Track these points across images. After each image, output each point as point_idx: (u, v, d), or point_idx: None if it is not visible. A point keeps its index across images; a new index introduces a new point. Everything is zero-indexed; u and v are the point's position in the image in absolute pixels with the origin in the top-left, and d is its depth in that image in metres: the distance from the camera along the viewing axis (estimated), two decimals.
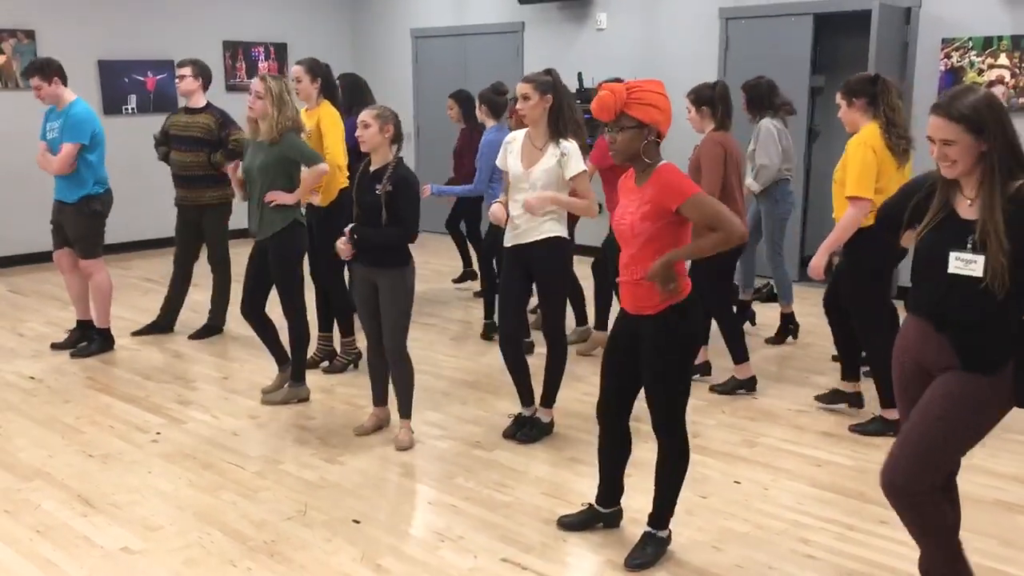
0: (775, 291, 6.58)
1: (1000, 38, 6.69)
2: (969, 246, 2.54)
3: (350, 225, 4.31)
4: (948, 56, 6.94)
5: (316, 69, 5.46)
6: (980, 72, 6.80)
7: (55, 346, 6.18)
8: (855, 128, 4.51)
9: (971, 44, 6.83)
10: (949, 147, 2.53)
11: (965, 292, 2.55)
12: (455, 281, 7.82)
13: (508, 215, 4.39)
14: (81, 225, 5.83)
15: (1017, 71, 6.64)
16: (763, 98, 6.09)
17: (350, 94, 5.94)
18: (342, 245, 4.30)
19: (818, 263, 4.49)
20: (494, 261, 6.13)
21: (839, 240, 4.43)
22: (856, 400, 4.86)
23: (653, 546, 3.39)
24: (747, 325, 6.36)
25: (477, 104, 6.27)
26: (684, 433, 3.32)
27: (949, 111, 2.52)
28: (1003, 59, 6.70)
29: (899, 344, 2.79)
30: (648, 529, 3.42)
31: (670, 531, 3.44)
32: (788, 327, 6.27)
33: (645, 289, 3.16)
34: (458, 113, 7.03)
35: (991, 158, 2.50)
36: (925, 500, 2.69)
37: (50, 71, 5.72)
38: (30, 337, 6.45)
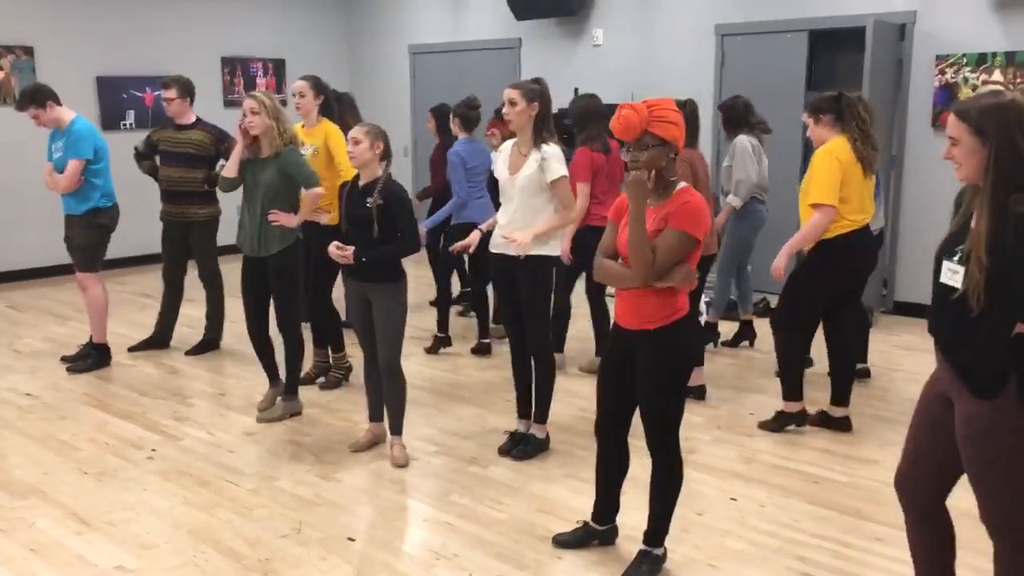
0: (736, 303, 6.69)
1: (994, 54, 6.72)
2: (958, 256, 2.49)
3: (348, 251, 4.28)
4: (942, 72, 6.97)
5: (321, 86, 5.50)
6: (974, 88, 6.83)
7: (66, 360, 6.18)
8: (822, 144, 4.63)
9: (965, 60, 6.86)
10: (955, 147, 2.48)
11: (949, 306, 2.50)
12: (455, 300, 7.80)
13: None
14: (85, 236, 5.86)
15: (1011, 87, 6.67)
16: (739, 117, 6.14)
17: (340, 110, 6.01)
18: (337, 251, 4.28)
19: (779, 264, 4.62)
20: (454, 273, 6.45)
21: (801, 243, 4.60)
22: (841, 424, 4.88)
23: (648, 564, 3.38)
24: (746, 343, 6.43)
25: (451, 117, 6.38)
26: (678, 450, 3.32)
27: (959, 109, 2.47)
28: (997, 75, 6.73)
29: (935, 369, 2.73)
30: (643, 547, 3.41)
31: (665, 549, 3.43)
32: (744, 333, 6.47)
33: (650, 302, 3.16)
34: (434, 127, 7.11)
35: (988, 164, 2.41)
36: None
37: (42, 97, 5.74)
38: (27, 353, 6.45)
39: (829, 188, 4.43)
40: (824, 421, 4.89)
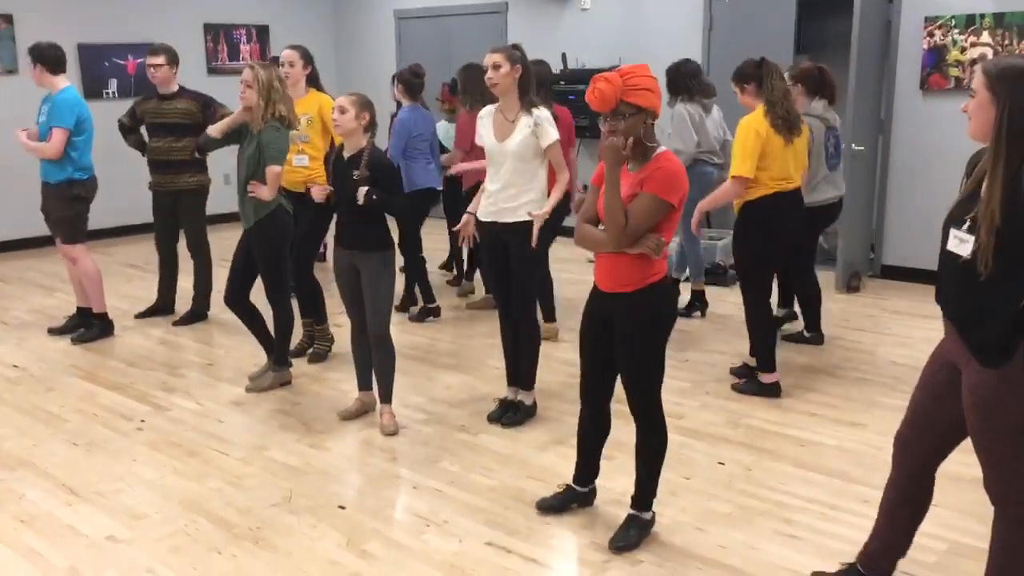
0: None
1: (982, 16, 6.69)
2: (967, 224, 2.44)
3: (362, 189, 4.22)
4: (931, 34, 6.94)
5: (309, 57, 5.46)
6: (963, 50, 6.80)
7: (52, 331, 6.17)
8: (752, 110, 4.75)
9: (953, 22, 6.83)
10: (971, 100, 2.44)
11: (956, 274, 2.47)
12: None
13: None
14: (63, 209, 5.80)
15: (1000, 48, 6.64)
16: (682, 82, 6.10)
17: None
18: (320, 193, 4.29)
19: (695, 220, 5.05)
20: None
21: (710, 205, 4.97)
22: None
23: (637, 528, 3.41)
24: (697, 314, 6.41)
25: (395, 83, 6.36)
26: (661, 413, 3.35)
27: (985, 64, 2.43)
28: (986, 36, 6.70)
29: (943, 338, 2.71)
30: (631, 511, 3.44)
31: (654, 513, 3.46)
32: (695, 303, 6.42)
33: (626, 265, 3.18)
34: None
35: (1000, 124, 2.36)
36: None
37: (35, 56, 5.71)
38: (13, 325, 6.42)
39: (745, 160, 4.60)
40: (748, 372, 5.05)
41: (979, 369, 2.49)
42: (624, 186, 3.17)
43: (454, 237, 7.14)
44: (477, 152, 5.69)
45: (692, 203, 6.16)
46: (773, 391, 4.84)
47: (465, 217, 4.58)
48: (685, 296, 6.36)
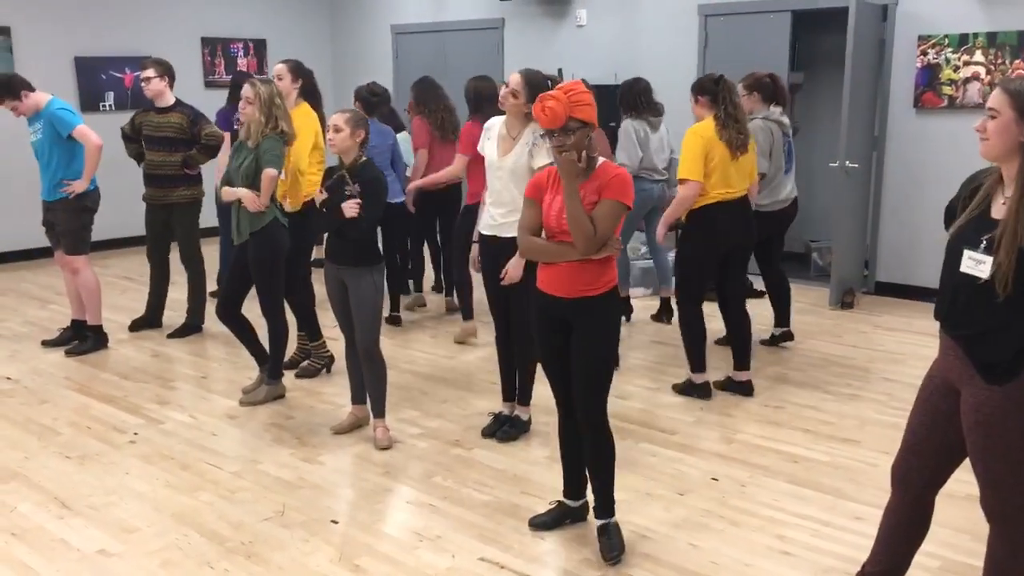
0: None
1: (976, 35, 6.74)
2: (983, 245, 2.43)
3: (352, 204, 4.24)
4: (924, 53, 6.99)
5: (300, 70, 5.46)
6: (956, 69, 6.85)
7: (46, 343, 6.15)
8: (701, 120, 4.98)
9: (947, 41, 6.87)
10: (992, 120, 2.43)
11: (970, 294, 2.47)
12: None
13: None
14: (70, 220, 5.82)
15: (992, 68, 6.69)
16: (632, 98, 6.25)
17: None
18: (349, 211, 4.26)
19: (659, 232, 5.26)
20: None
21: (673, 214, 5.06)
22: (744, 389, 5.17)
23: (613, 534, 3.44)
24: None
25: (353, 100, 6.47)
26: (607, 413, 3.41)
27: (1006, 83, 2.45)
28: (979, 56, 6.75)
29: (937, 358, 2.70)
30: (600, 522, 3.46)
31: (616, 519, 3.49)
32: (663, 311, 6.63)
33: (590, 270, 3.26)
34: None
35: None
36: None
37: (16, 87, 5.68)
38: (7, 337, 6.40)
39: (692, 163, 4.82)
40: (729, 386, 5.18)
41: (983, 387, 2.49)
42: None
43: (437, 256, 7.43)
44: (438, 150, 6.31)
45: (629, 218, 6.34)
46: (704, 392, 5.07)
47: (473, 248, 4.65)
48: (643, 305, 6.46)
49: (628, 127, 6.22)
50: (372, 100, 6.41)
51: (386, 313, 6.51)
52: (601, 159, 3.34)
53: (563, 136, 3.22)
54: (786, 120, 5.82)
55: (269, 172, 4.74)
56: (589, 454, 3.42)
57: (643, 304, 6.95)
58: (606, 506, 3.45)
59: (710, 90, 4.96)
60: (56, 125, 5.66)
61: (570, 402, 3.48)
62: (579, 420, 3.40)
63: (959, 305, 2.53)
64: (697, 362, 5.06)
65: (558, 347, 3.40)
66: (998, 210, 2.48)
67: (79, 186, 5.72)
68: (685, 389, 5.12)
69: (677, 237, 6.08)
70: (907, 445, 2.78)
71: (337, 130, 4.22)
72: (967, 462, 2.70)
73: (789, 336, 6.07)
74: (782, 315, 6.05)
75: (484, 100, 5.65)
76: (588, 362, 3.31)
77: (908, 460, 2.77)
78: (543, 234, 3.37)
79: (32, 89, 5.74)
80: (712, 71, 7.63)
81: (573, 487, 3.66)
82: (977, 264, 2.45)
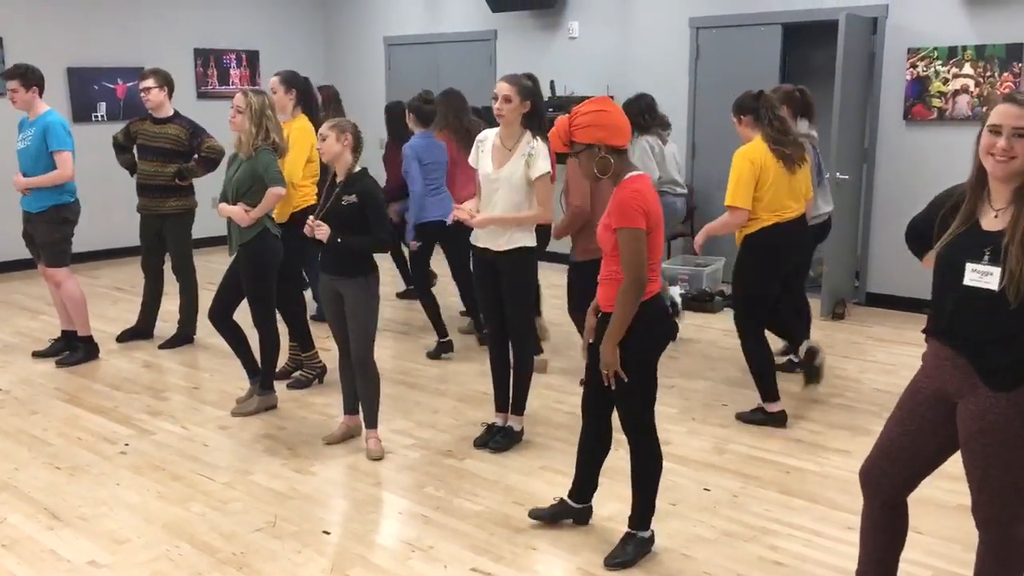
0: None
1: (964, 48, 6.79)
2: (987, 257, 2.45)
3: (324, 227, 4.25)
4: (914, 65, 7.04)
5: (291, 81, 5.45)
6: (945, 81, 6.90)
7: (37, 354, 6.13)
8: (748, 141, 4.74)
9: (936, 54, 6.92)
10: (1021, 139, 2.40)
11: (979, 306, 2.47)
12: (400, 295, 7.73)
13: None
14: (49, 233, 5.80)
15: (981, 80, 6.74)
16: (637, 116, 6.17)
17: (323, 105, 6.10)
18: (312, 224, 4.23)
19: (697, 239, 4.99)
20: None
21: (714, 232, 4.91)
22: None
23: (633, 545, 3.44)
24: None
25: (406, 112, 6.32)
26: (655, 431, 3.40)
27: None
28: (967, 68, 6.80)
29: (921, 369, 2.71)
30: (629, 530, 3.47)
31: (653, 532, 3.49)
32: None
33: (608, 287, 3.29)
34: (387, 124, 7.27)
35: None
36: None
37: (31, 79, 5.73)
38: None
39: (741, 190, 4.60)
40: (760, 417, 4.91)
41: (988, 394, 2.50)
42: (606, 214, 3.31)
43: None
44: (464, 166, 5.75)
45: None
46: (780, 420, 4.82)
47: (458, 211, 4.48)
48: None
49: (643, 144, 6.18)
50: (426, 110, 6.09)
51: (468, 330, 6.52)
52: (627, 175, 3.29)
53: (574, 158, 3.33)
54: (815, 134, 5.62)
55: (277, 191, 4.79)
56: (633, 466, 3.43)
57: None
58: (640, 518, 3.46)
59: (751, 108, 4.75)
60: (48, 136, 5.65)
61: (596, 405, 3.50)
62: (626, 433, 3.41)
63: (963, 317, 2.53)
64: (769, 390, 4.84)
65: (595, 352, 3.39)
66: (990, 222, 2.50)
67: (31, 182, 5.66)
68: (756, 418, 4.87)
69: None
70: (882, 451, 2.78)
71: (323, 138, 4.23)
72: (947, 471, 2.71)
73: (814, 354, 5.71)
74: (802, 334, 5.63)
75: (462, 111, 5.64)
76: (620, 379, 3.29)
77: (880, 465, 2.78)
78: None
79: (41, 94, 5.77)
80: (705, 83, 7.76)
81: (578, 489, 3.68)
82: (983, 276, 2.45)
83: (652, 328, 3.30)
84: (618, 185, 3.27)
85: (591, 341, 3.41)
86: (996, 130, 2.44)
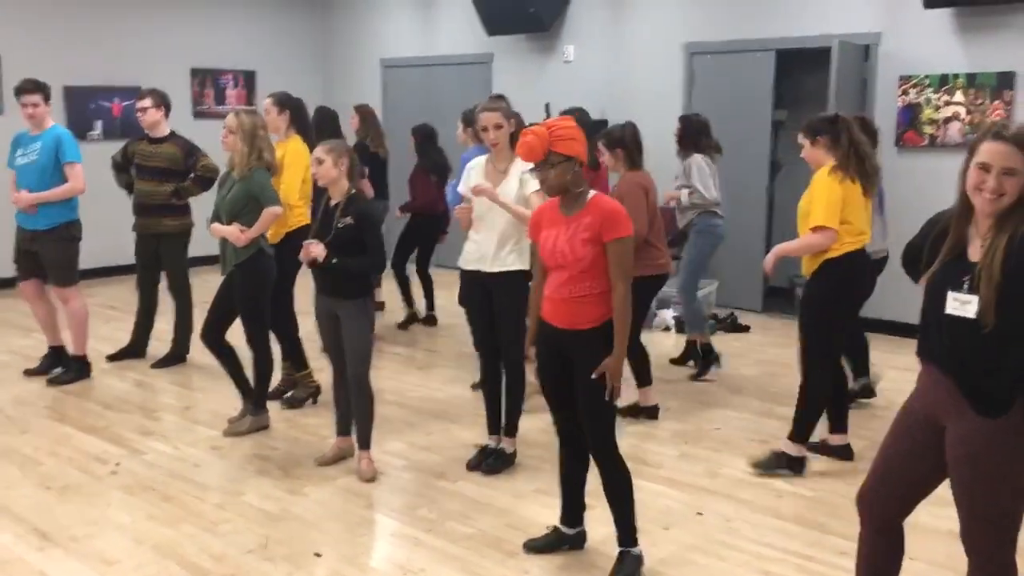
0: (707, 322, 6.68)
1: (956, 75, 6.86)
2: (965, 287, 2.47)
3: (319, 246, 4.25)
4: (905, 92, 7.10)
5: (284, 102, 5.49)
6: (937, 108, 6.96)
7: (28, 372, 6.10)
8: (818, 165, 4.55)
9: (928, 81, 6.99)
10: (1010, 178, 2.42)
11: (961, 334, 2.49)
12: (400, 326, 7.54)
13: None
14: (59, 251, 5.80)
15: (972, 108, 6.81)
16: (695, 135, 6.25)
17: (318, 127, 6.10)
18: (310, 247, 4.23)
19: (768, 259, 4.58)
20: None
21: (794, 252, 4.55)
22: (843, 451, 4.79)
23: (630, 562, 3.45)
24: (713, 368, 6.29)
25: (461, 127, 6.39)
26: (617, 447, 3.42)
27: (1020, 139, 2.42)
28: (959, 96, 6.87)
29: (914, 391, 2.72)
30: (620, 549, 3.47)
31: (640, 549, 3.50)
32: (694, 353, 6.34)
33: (585, 306, 3.30)
34: (414, 145, 7.30)
35: None
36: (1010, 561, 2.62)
37: (48, 92, 5.79)
38: None
39: (832, 210, 4.36)
40: (824, 450, 4.79)
41: (973, 419, 2.51)
42: (566, 231, 3.33)
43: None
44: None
45: (705, 257, 6.32)
46: (846, 452, 4.72)
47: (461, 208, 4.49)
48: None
49: (700, 161, 6.19)
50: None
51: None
52: (592, 192, 3.38)
53: (544, 170, 3.31)
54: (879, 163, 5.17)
55: (274, 211, 4.81)
56: (604, 485, 3.44)
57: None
58: (625, 535, 3.47)
59: (828, 130, 4.49)
60: (61, 149, 5.66)
61: (567, 431, 3.52)
62: (591, 453, 3.42)
63: (948, 344, 2.55)
64: (839, 422, 4.73)
65: (555, 376, 3.44)
66: (976, 252, 2.52)
67: (42, 196, 5.66)
68: (821, 449, 4.71)
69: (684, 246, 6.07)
70: (877, 475, 2.80)
71: (319, 162, 4.25)
72: (938, 496, 2.72)
73: (870, 391, 5.65)
74: (864, 367, 5.64)
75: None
76: (590, 394, 3.33)
77: (876, 490, 2.79)
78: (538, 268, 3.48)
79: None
80: (699, 107, 7.78)
81: (568, 514, 3.69)
82: (963, 304, 2.48)
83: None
84: (590, 200, 3.33)
85: (547, 360, 3.44)
86: (984, 167, 2.46)
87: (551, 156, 3.29)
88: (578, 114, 5.75)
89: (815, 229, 4.38)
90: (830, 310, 4.49)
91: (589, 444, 3.40)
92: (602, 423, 3.37)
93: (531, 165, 4.26)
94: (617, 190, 5.13)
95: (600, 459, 3.40)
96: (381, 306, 7.47)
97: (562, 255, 3.31)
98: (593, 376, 3.28)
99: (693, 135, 6.29)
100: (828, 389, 4.57)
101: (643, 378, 5.24)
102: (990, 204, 2.46)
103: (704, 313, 6.59)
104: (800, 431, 4.52)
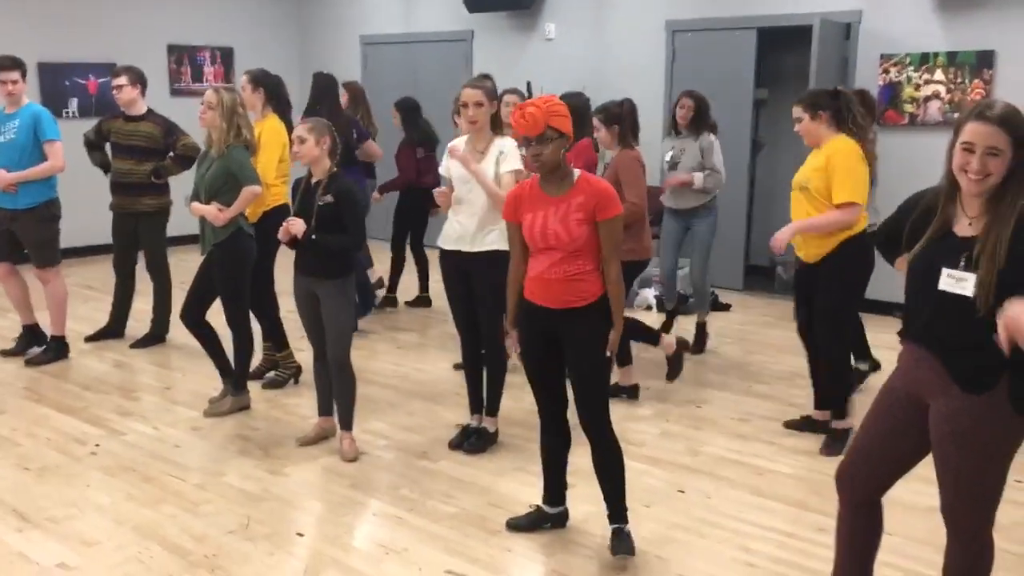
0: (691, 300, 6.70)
1: (936, 54, 6.87)
2: (962, 264, 2.47)
3: (298, 223, 4.24)
4: (886, 71, 7.11)
5: (259, 79, 5.41)
6: (917, 87, 6.98)
7: (5, 353, 6.04)
8: (816, 141, 4.47)
9: (908, 60, 7.01)
10: (994, 158, 2.41)
11: (953, 311, 2.49)
12: (409, 304, 7.56)
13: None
14: (40, 231, 5.74)
15: (952, 86, 6.83)
16: (706, 113, 6.17)
17: (320, 95, 6.41)
18: (288, 225, 4.22)
19: (783, 236, 4.43)
20: None
21: (815, 229, 4.41)
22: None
23: (626, 537, 3.47)
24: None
25: (421, 109, 6.43)
26: (611, 427, 3.42)
27: (1003, 119, 2.41)
28: (939, 75, 6.89)
29: (896, 370, 2.73)
30: (613, 526, 3.49)
31: (629, 526, 3.52)
32: (703, 333, 6.35)
33: (581, 283, 3.29)
34: (399, 121, 7.18)
35: (1015, 170, 2.41)
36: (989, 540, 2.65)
37: (25, 69, 5.70)
38: None
39: (859, 187, 4.31)
40: (810, 426, 4.79)
41: (959, 396, 2.52)
42: (556, 212, 3.29)
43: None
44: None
45: (714, 236, 6.21)
46: (846, 438, 4.44)
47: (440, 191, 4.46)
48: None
49: (714, 140, 6.10)
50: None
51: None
52: (578, 171, 3.37)
53: (540, 145, 3.26)
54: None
55: (253, 190, 4.77)
56: (595, 463, 3.45)
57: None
58: (617, 512, 3.48)
59: (831, 105, 4.41)
60: (39, 126, 5.59)
61: (551, 411, 3.54)
62: (584, 430, 3.42)
63: (936, 321, 2.55)
64: (848, 408, 4.61)
65: (540, 356, 3.44)
66: (964, 229, 2.53)
67: (22, 175, 5.59)
68: (836, 448, 4.47)
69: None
70: (857, 452, 2.82)
71: (301, 140, 4.20)
72: (916, 473, 2.74)
73: (876, 365, 5.62)
74: (864, 349, 5.61)
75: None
76: (582, 372, 3.34)
77: (856, 466, 2.81)
78: (523, 250, 3.46)
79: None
80: (680, 85, 7.75)
81: (550, 493, 3.70)
82: (959, 282, 2.47)
83: (606, 328, 3.37)
84: (579, 179, 3.32)
85: (532, 340, 3.44)
86: (969, 148, 2.45)
87: (548, 131, 3.25)
88: (577, 99, 5.59)
89: (841, 206, 4.31)
90: (854, 285, 4.49)
91: (583, 421, 3.39)
92: (598, 401, 3.38)
93: (507, 146, 4.27)
94: (612, 166, 5.11)
95: (594, 436, 3.40)
96: (380, 283, 7.41)
97: (555, 236, 3.28)
98: (608, 354, 3.32)
99: (705, 113, 6.13)
100: (849, 359, 4.67)
101: (623, 359, 5.25)
102: (975, 185, 2.46)
103: (675, 293, 6.57)
104: (839, 405, 4.58)
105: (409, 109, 7.11)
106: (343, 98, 6.95)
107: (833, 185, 4.33)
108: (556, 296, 3.33)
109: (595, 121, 5.21)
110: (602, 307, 3.33)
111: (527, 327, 3.46)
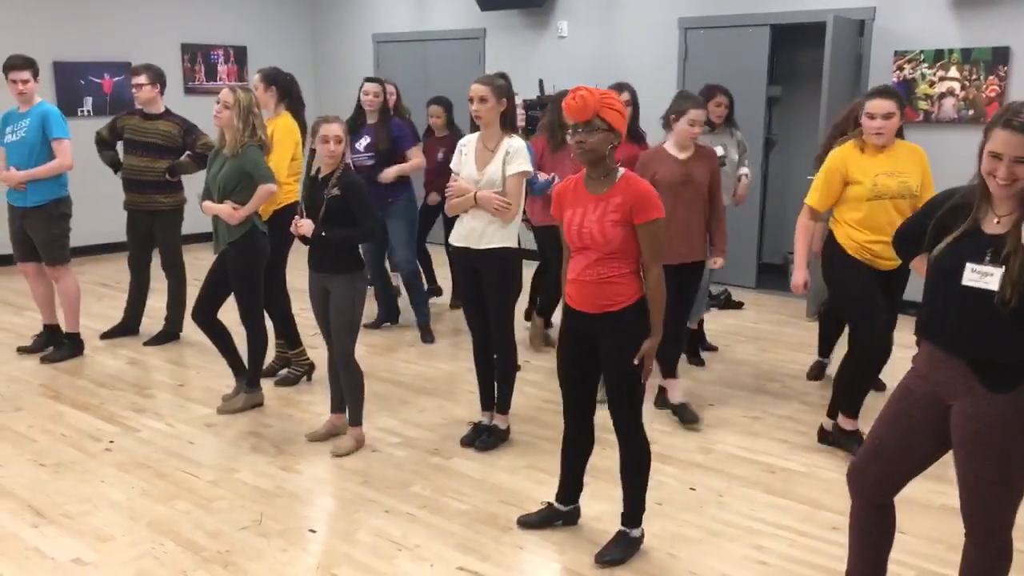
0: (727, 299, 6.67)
1: (951, 51, 6.83)
2: (988, 258, 2.47)
3: (306, 223, 4.27)
4: (900, 68, 7.07)
5: (271, 78, 5.42)
6: (932, 84, 6.94)
7: (21, 350, 6.09)
8: (890, 142, 4.29)
9: (923, 56, 6.97)
10: (1021, 165, 2.41)
11: (976, 307, 2.48)
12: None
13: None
14: (48, 229, 5.76)
15: (967, 83, 6.79)
16: (733, 109, 6.20)
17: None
18: (298, 223, 4.26)
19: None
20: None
21: None
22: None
23: (624, 544, 3.47)
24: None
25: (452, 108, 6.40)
26: (644, 429, 3.41)
27: None
28: (953, 71, 6.84)
29: (913, 370, 2.72)
30: (621, 528, 3.49)
31: (643, 531, 3.52)
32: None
33: (615, 286, 3.25)
34: (444, 121, 7.07)
35: None
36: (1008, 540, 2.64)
37: (37, 68, 5.73)
38: None
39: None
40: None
41: (985, 395, 2.50)
42: (594, 211, 3.24)
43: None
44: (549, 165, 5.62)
45: None
46: (856, 440, 4.38)
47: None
48: None
49: (742, 139, 6.14)
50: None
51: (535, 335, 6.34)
52: (622, 169, 3.31)
53: (586, 133, 3.18)
54: None
55: (268, 188, 4.78)
56: (622, 462, 3.44)
57: None
58: (632, 516, 3.49)
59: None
60: (47, 125, 5.62)
61: (579, 411, 3.52)
62: (618, 431, 3.41)
63: (960, 318, 2.54)
64: (859, 408, 4.50)
65: (575, 357, 3.41)
66: (992, 227, 2.52)
67: (31, 173, 5.63)
68: (836, 439, 4.53)
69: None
70: (870, 451, 2.80)
71: (339, 140, 4.24)
72: (930, 472, 2.72)
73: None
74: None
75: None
76: (618, 375, 3.32)
77: (869, 466, 2.80)
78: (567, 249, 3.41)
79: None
80: (693, 82, 7.74)
81: (565, 492, 3.70)
82: (984, 276, 2.47)
83: (644, 332, 3.31)
84: (621, 178, 3.25)
85: (567, 344, 3.42)
86: (997, 156, 2.45)
87: (596, 120, 3.17)
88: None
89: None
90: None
91: (616, 423, 3.38)
92: (633, 402, 3.35)
93: (515, 146, 4.26)
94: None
95: (627, 437, 3.39)
96: (439, 290, 7.53)
97: (589, 236, 3.24)
98: (635, 362, 3.25)
99: (733, 109, 6.13)
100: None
101: (668, 370, 5.03)
102: (1004, 190, 2.47)
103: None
104: (856, 409, 4.47)
105: (450, 109, 7.09)
106: (391, 97, 6.59)
107: (926, 183, 4.24)
108: (591, 300, 3.29)
109: None
110: (639, 310, 3.27)
111: (569, 329, 3.43)
